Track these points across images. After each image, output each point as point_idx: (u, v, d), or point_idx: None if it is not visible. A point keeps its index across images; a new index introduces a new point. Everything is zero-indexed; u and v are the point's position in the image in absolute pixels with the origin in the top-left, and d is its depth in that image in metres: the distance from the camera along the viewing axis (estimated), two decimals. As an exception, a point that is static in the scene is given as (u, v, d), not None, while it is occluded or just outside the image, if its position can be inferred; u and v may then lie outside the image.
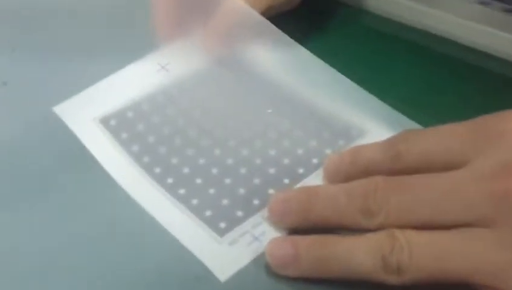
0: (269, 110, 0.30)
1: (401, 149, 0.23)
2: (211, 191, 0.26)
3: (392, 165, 0.23)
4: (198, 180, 0.27)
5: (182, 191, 0.26)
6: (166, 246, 0.24)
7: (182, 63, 0.33)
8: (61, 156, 0.29)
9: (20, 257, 0.24)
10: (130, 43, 0.33)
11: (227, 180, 0.27)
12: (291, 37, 0.32)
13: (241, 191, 0.26)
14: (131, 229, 0.25)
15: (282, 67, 0.32)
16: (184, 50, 0.33)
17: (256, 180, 0.27)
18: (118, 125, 0.29)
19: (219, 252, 0.24)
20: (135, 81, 0.32)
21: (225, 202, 0.26)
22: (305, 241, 0.22)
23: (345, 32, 0.37)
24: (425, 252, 0.20)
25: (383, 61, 0.35)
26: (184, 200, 0.26)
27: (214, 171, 0.28)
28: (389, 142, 0.24)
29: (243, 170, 0.27)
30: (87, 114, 0.30)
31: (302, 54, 0.32)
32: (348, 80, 0.31)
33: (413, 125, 0.29)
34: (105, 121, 0.30)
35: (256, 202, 0.26)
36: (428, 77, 0.34)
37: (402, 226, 0.21)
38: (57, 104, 0.30)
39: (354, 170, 0.24)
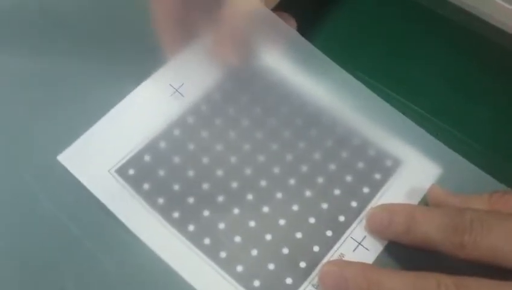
0: (299, 140, 0.28)
1: (466, 241, 0.22)
2: (254, 252, 0.25)
3: (453, 253, 0.22)
4: (237, 239, 0.26)
5: (223, 255, 0.25)
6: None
7: (196, 83, 0.29)
8: (76, 214, 0.26)
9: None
10: (131, 62, 0.28)
11: (268, 237, 0.26)
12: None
13: (285, 250, 0.26)
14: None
15: (308, 84, 0.29)
16: (196, 64, 0.29)
17: (298, 234, 0.26)
18: (137, 174, 0.27)
19: None
20: (147, 111, 0.28)
21: (271, 266, 0.25)
22: None
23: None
24: None
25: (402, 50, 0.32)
26: (227, 267, 0.25)
27: (252, 224, 0.26)
28: (451, 224, 0.23)
29: (281, 221, 0.26)
30: (99, 163, 0.27)
31: (330, 68, 0.29)
32: (382, 101, 0.28)
33: (452, 155, 0.28)
34: (122, 172, 0.27)
35: (303, 264, 0.25)
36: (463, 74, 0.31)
37: None
38: (60, 149, 0.27)
39: (408, 240, 0.24)
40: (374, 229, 0.25)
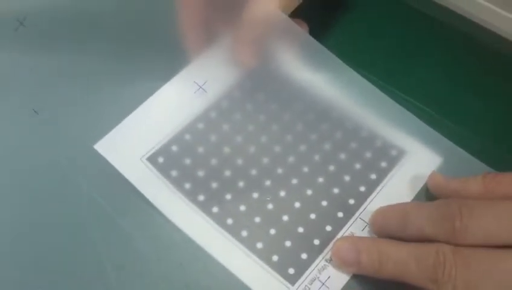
0: (311, 132, 0.31)
1: (457, 227, 0.24)
2: (272, 231, 0.28)
3: (447, 240, 0.24)
4: (257, 219, 0.28)
5: (244, 234, 0.28)
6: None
7: (218, 80, 0.32)
8: (112, 197, 0.29)
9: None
10: (159, 60, 0.31)
11: (285, 217, 0.28)
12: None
13: (300, 229, 0.28)
14: (198, 275, 0.27)
15: (320, 82, 0.32)
16: (218, 63, 0.32)
17: (312, 216, 0.29)
18: (166, 162, 0.29)
19: None
20: (174, 106, 0.31)
21: (288, 244, 0.28)
22: None
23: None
24: None
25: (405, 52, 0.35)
26: (249, 244, 0.28)
27: (270, 206, 0.29)
28: (441, 215, 0.24)
29: (296, 204, 0.29)
30: (132, 151, 0.29)
31: (340, 68, 0.31)
32: (388, 98, 0.31)
33: (451, 146, 0.30)
34: (153, 160, 0.29)
35: (316, 242, 0.28)
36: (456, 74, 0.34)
37: None
38: (96, 138, 0.29)
39: (405, 236, 0.26)
40: (373, 230, 0.28)
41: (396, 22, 0.36)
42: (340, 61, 0.32)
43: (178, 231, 0.28)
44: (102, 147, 0.29)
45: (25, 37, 0.34)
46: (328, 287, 0.26)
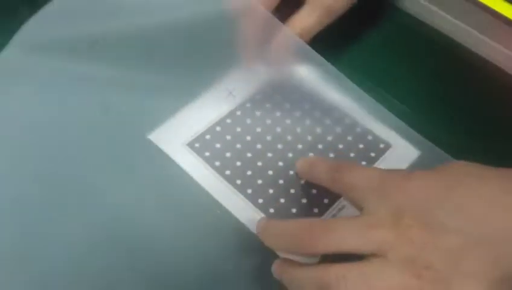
0: (316, 126, 0.39)
1: (335, 177, 0.32)
2: (282, 200, 0.36)
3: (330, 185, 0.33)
4: (271, 191, 0.37)
5: (260, 201, 0.36)
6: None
7: (243, 88, 0.41)
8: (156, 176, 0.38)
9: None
10: (200, 73, 0.41)
11: (292, 191, 0.37)
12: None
13: (303, 200, 0.36)
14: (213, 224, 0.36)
15: (325, 90, 0.40)
16: (245, 76, 0.41)
17: (314, 191, 0.36)
18: (201, 147, 0.38)
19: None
20: (209, 107, 0.40)
21: (294, 211, 0.36)
22: None
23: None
24: None
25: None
26: (263, 209, 0.36)
27: (281, 181, 0.37)
28: (330, 169, 0.32)
29: (302, 181, 0.37)
30: (177, 139, 0.39)
31: (341, 80, 0.39)
32: (381, 107, 0.40)
33: (427, 143, 0.38)
34: (192, 145, 0.38)
35: (315, 211, 0.36)
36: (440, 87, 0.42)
37: None
38: (149, 131, 0.39)
39: (311, 178, 0.35)
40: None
41: (398, 54, 0.45)
42: (344, 76, 0.39)
43: (210, 197, 0.36)
44: (155, 137, 0.39)
45: (98, 53, 0.43)
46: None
